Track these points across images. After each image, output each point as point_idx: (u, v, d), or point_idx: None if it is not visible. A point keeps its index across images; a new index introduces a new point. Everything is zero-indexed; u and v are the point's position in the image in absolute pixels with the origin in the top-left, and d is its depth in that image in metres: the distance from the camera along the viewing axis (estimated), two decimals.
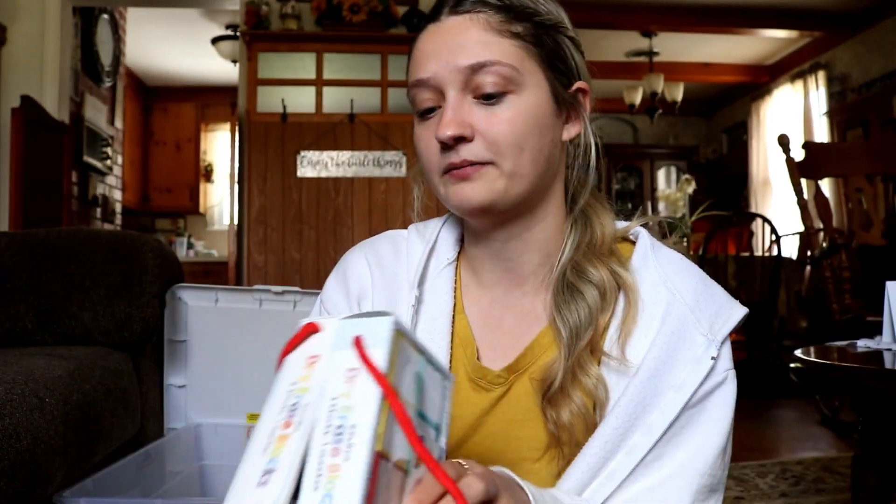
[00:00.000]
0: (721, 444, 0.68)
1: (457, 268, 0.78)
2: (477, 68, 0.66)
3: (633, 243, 0.75)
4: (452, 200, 0.68)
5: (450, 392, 0.51)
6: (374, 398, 0.41)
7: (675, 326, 0.68)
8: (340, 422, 0.41)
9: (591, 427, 0.67)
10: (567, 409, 0.67)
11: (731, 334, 0.70)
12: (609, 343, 0.69)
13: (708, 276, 0.74)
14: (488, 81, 0.66)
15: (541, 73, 0.69)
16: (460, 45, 0.67)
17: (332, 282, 0.80)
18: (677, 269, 0.72)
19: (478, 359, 0.74)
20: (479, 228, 0.74)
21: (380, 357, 0.42)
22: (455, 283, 0.77)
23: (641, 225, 0.77)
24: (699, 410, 0.67)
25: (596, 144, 0.74)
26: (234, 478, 0.42)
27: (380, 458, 0.40)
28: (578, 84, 0.73)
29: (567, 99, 0.71)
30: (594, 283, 0.70)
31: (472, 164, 0.66)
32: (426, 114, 0.70)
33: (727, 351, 0.70)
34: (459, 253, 0.79)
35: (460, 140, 0.66)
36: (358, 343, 0.43)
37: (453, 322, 0.74)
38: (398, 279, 0.76)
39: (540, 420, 0.70)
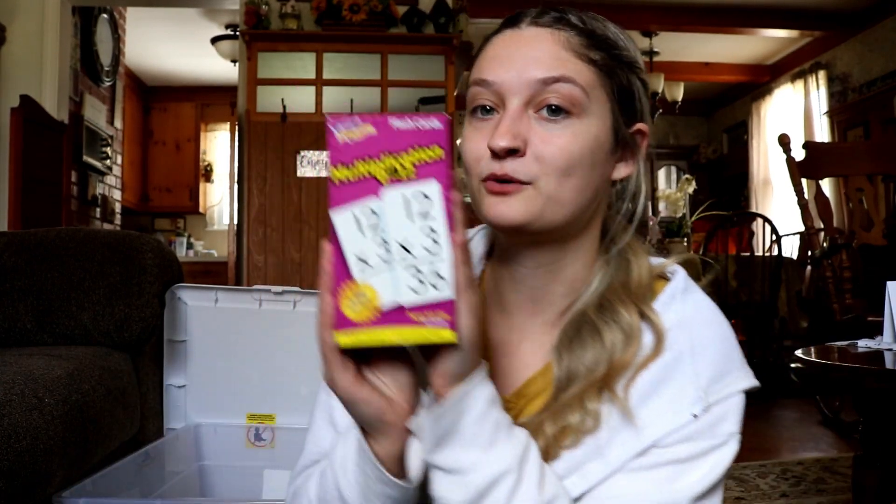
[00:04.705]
0: (696, 492, 0.64)
1: (480, 284, 0.76)
2: (549, 82, 0.65)
3: (668, 280, 0.72)
4: (487, 214, 0.66)
5: None
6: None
7: (668, 367, 0.66)
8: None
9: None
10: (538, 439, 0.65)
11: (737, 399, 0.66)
12: (619, 382, 0.66)
13: (732, 336, 0.70)
14: (556, 97, 0.65)
15: (607, 105, 0.68)
16: (536, 57, 0.65)
17: None
18: (703, 318, 0.69)
19: None
20: (510, 250, 0.72)
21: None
22: None
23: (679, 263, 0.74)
24: (682, 465, 0.64)
25: (645, 191, 0.73)
26: None
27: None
28: (639, 125, 0.71)
29: (626, 138, 0.70)
30: (621, 325, 0.67)
31: (513, 181, 0.64)
32: (482, 112, 0.68)
33: (735, 415, 0.66)
34: (483, 270, 0.78)
35: (512, 152, 0.64)
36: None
37: None
38: None
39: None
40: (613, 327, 0.67)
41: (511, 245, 0.71)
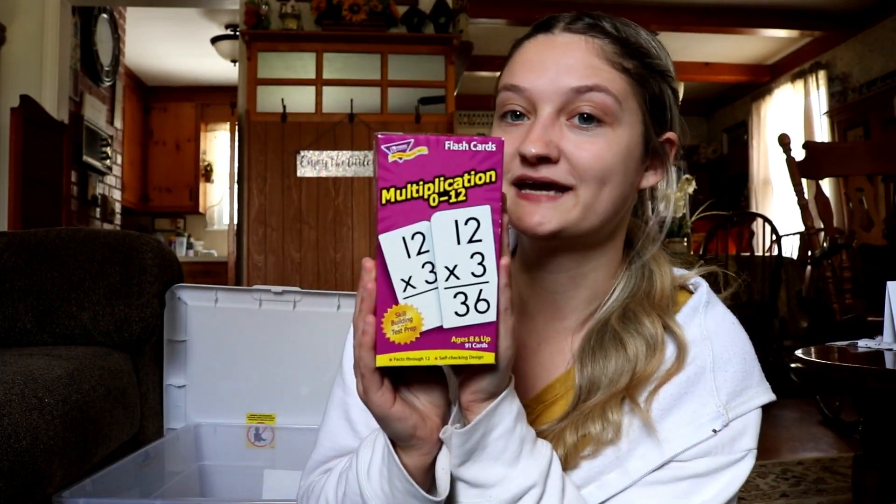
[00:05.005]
0: None
1: None
2: (582, 91, 0.64)
3: (690, 292, 0.73)
4: (521, 222, 0.65)
5: None
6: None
7: (689, 381, 0.66)
8: None
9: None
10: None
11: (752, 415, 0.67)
12: (642, 393, 0.67)
13: (752, 351, 0.70)
14: (587, 108, 0.64)
15: (639, 114, 0.67)
16: (570, 65, 0.65)
17: None
18: (725, 332, 0.69)
19: None
20: (533, 254, 0.72)
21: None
22: None
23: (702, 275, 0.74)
24: (700, 480, 0.64)
25: (673, 199, 0.73)
26: None
27: None
28: (669, 134, 0.71)
29: (656, 147, 0.70)
30: (644, 335, 0.67)
31: (551, 185, 0.64)
32: (512, 118, 0.67)
33: (753, 430, 0.67)
34: None
35: (544, 160, 0.64)
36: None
37: None
38: None
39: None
40: (637, 337, 0.67)
41: (535, 249, 0.71)
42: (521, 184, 0.65)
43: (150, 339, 1.60)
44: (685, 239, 4.04)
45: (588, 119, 0.64)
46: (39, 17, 3.94)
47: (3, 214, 3.61)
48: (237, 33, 4.38)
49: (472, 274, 0.53)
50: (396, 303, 0.53)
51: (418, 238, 0.52)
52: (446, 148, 0.52)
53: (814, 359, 1.31)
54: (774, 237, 3.68)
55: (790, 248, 4.60)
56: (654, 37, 0.71)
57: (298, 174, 3.86)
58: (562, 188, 0.64)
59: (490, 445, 0.58)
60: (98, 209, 4.73)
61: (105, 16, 4.77)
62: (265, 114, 3.88)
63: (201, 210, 6.73)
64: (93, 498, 1.16)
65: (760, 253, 3.77)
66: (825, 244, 2.78)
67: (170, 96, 6.65)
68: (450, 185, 0.52)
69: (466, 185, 0.52)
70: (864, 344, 1.48)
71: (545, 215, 0.64)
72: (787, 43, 5.90)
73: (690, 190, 4.32)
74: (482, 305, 0.53)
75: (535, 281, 0.73)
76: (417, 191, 0.52)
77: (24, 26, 3.92)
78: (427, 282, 0.53)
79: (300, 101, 3.92)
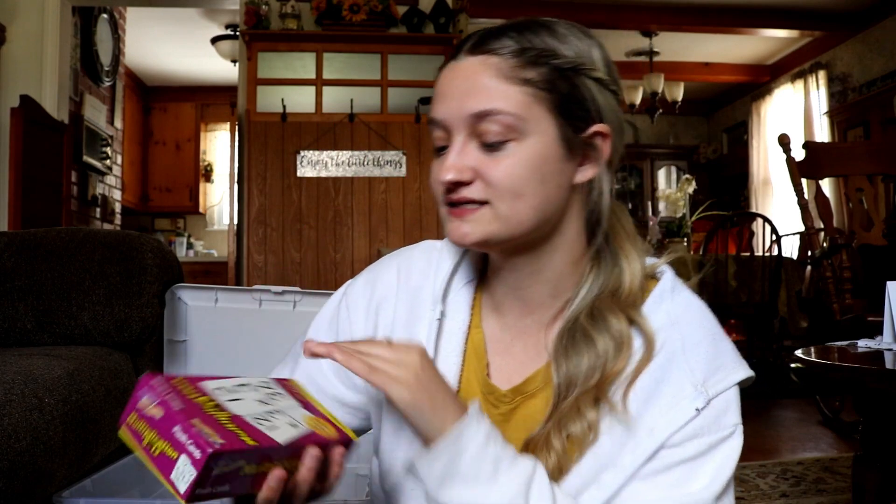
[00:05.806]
0: (715, 491, 0.66)
1: (478, 285, 0.80)
2: (482, 116, 0.67)
3: (657, 280, 0.75)
4: (450, 235, 0.71)
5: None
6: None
7: (663, 367, 0.68)
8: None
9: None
10: (542, 456, 0.68)
11: (732, 390, 0.69)
12: (615, 390, 0.68)
13: (721, 331, 0.72)
14: (491, 130, 0.67)
15: (549, 120, 0.68)
16: (468, 90, 0.68)
17: (361, 282, 0.84)
18: (692, 316, 0.71)
19: (487, 375, 0.76)
20: (494, 257, 0.76)
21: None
22: (474, 300, 0.79)
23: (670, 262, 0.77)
24: (694, 463, 0.66)
25: (611, 190, 0.73)
26: None
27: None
28: (596, 127, 0.70)
29: (580, 143, 0.70)
30: (611, 333, 0.69)
31: (470, 202, 0.69)
32: (439, 150, 0.72)
33: (735, 405, 0.68)
34: (486, 274, 0.81)
35: (459, 184, 0.68)
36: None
37: (468, 336, 0.77)
38: (422, 292, 0.79)
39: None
40: (605, 334, 0.69)
41: (488, 253, 0.76)
42: (447, 205, 0.71)
43: (150, 339, 1.60)
44: (685, 239, 4.05)
45: (492, 143, 0.68)
46: (39, 17, 3.94)
47: (3, 214, 3.61)
48: (237, 33, 4.38)
49: (261, 386, 0.69)
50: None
51: (268, 415, 0.64)
52: (175, 407, 0.62)
53: (814, 359, 1.30)
54: (774, 237, 3.68)
55: (790, 248, 4.60)
56: (572, 28, 0.71)
57: (298, 174, 3.86)
58: (480, 202, 0.68)
59: (462, 468, 0.61)
60: (98, 209, 4.73)
61: (105, 16, 4.77)
62: (265, 114, 3.89)
63: (201, 210, 6.73)
64: (93, 498, 1.16)
65: (760, 253, 3.77)
66: (825, 244, 2.78)
67: (170, 96, 6.64)
68: (205, 400, 0.63)
69: (190, 394, 0.63)
70: (864, 344, 1.48)
71: (468, 227, 0.69)
72: (787, 43, 5.90)
73: (690, 190, 4.33)
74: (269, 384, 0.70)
75: (501, 280, 0.76)
76: (235, 429, 0.61)
77: (24, 26, 3.92)
78: (273, 413, 0.65)
79: (300, 101, 3.93)
